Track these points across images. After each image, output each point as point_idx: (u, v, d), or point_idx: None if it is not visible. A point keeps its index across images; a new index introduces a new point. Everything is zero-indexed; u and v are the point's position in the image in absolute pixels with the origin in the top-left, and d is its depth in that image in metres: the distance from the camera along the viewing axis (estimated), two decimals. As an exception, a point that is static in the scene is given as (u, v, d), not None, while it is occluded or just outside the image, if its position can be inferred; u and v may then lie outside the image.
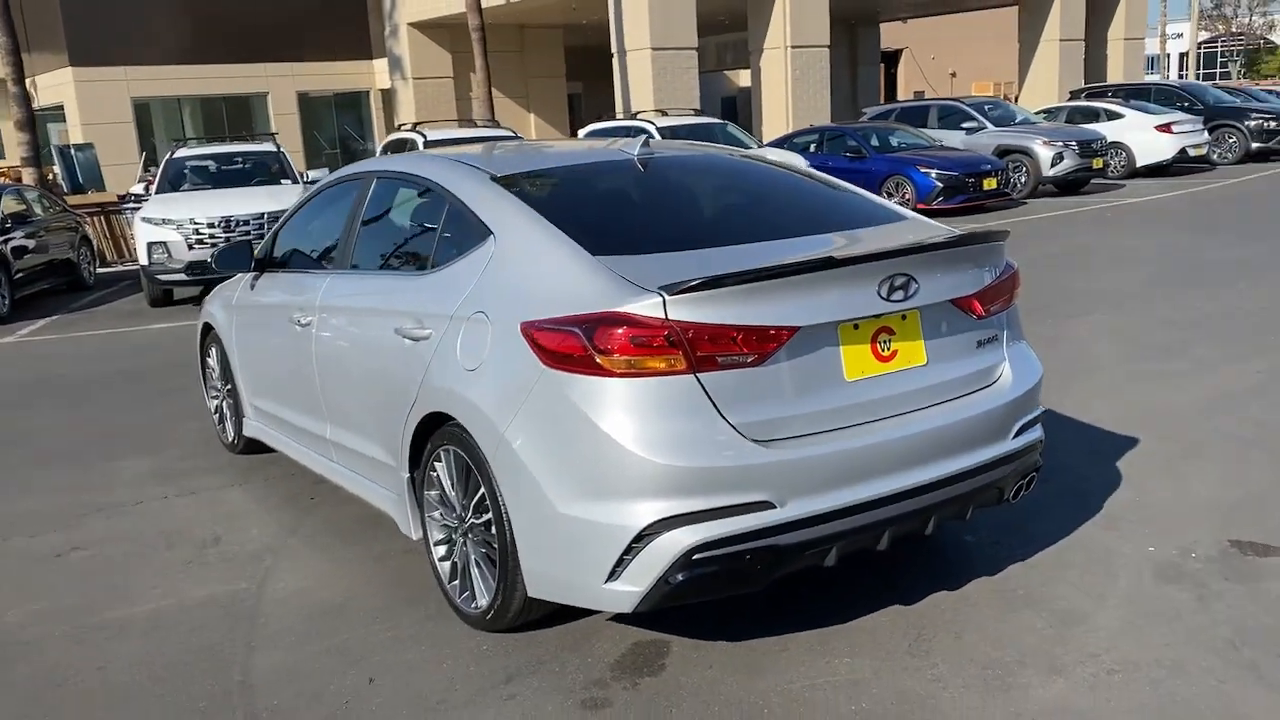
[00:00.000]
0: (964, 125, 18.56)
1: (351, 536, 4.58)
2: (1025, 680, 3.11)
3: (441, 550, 3.80)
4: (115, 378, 8.41)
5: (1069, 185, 18.14)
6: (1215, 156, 21.27)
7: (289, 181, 13.12)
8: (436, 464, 3.69)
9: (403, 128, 15.74)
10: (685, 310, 2.96)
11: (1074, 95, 23.71)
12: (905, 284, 3.20)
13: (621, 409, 2.98)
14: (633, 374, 2.98)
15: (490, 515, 3.39)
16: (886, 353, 3.25)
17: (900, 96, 46.73)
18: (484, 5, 26.32)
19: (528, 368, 3.18)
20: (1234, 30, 72.26)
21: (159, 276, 11.86)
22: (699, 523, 2.96)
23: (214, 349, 5.92)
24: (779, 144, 17.88)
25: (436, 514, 3.79)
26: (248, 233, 11.71)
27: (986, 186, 15.92)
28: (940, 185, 15.62)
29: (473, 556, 3.58)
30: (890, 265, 3.16)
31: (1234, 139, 21.58)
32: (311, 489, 5.24)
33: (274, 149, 13.87)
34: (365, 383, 4.07)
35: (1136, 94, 22.51)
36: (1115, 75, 30.54)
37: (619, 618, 3.62)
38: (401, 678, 3.35)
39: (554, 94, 30.88)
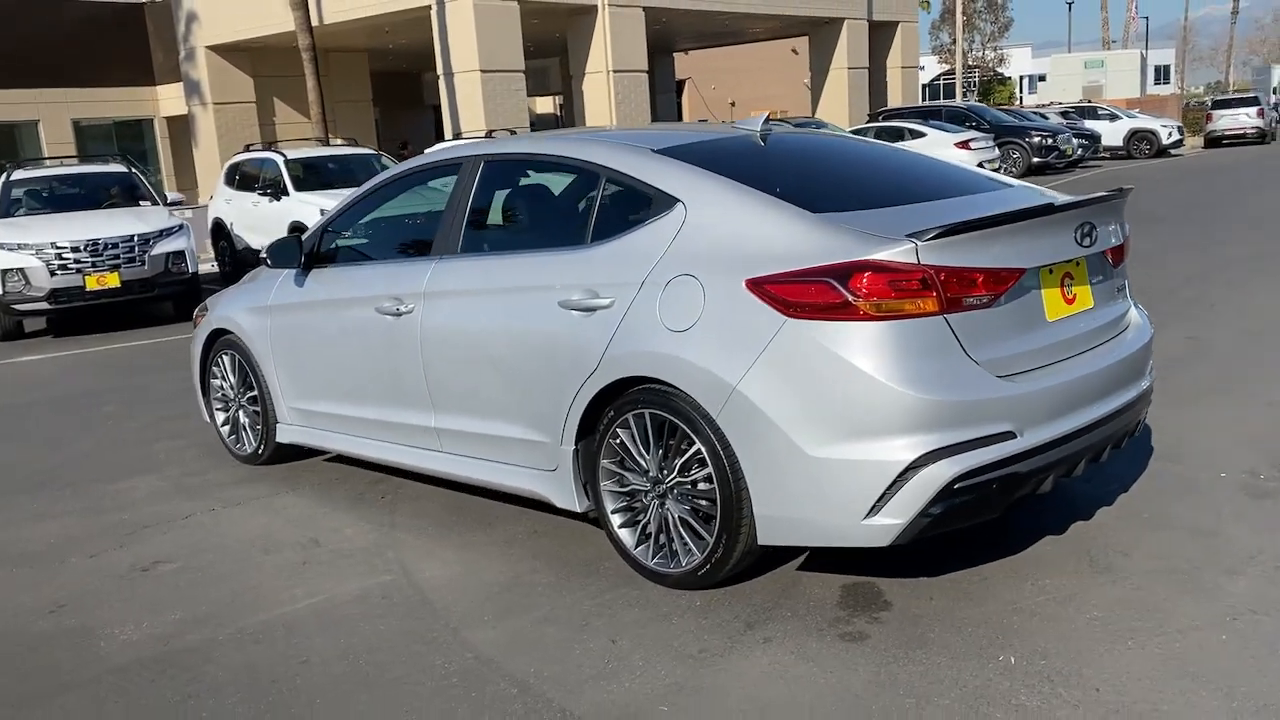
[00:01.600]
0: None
1: (458, 525, 4.51)
2: (1212, 581, 3.49)
3: (620, 518, 3.84)
4: (35, 408, 7.74)
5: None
6: (1002, 171, 23.31)
7: (149, 203, 12.37)
8: (620, 430, 3.74)
9: (252, 147, 15.10)
10: (934, 255, 3.18)
11: (874, 116, 25.40)
12: (1090, 231, 3.55)
13: (881, 350, 3.16)
14: (888, 317, 3.17)
15: (706, 471, 3.48)
16: (1069, 295, 3.58)
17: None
18: (282, 30, 25.58)
19: (762, 320, 3.30)
20: (969, 64, 79.15)
21: (15, 306, 10.91)
22: (958, 454, 3.18)
23: (225, 358, 5.62)
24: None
25: (612, 483, 3.82)
26: (117, 256, 11.00)
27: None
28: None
29: (673, 516, 3.64)
30: (1085, 213, 3.51)
31: (1017, 154, 23.75)
32: (372, 488, 5.09)
33: (124, 170, 13.03)
34: (511, 362, 4.04)
35: (931, 114, 24.38)
36: (895, 99, 32.88)
37: (810, 563, 3.77)
38: (639, 637, 3.38)
39: (362, 118, 30.22)
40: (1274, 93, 46.73)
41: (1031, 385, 3.33)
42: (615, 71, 24.29)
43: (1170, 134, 30.43)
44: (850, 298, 3.17)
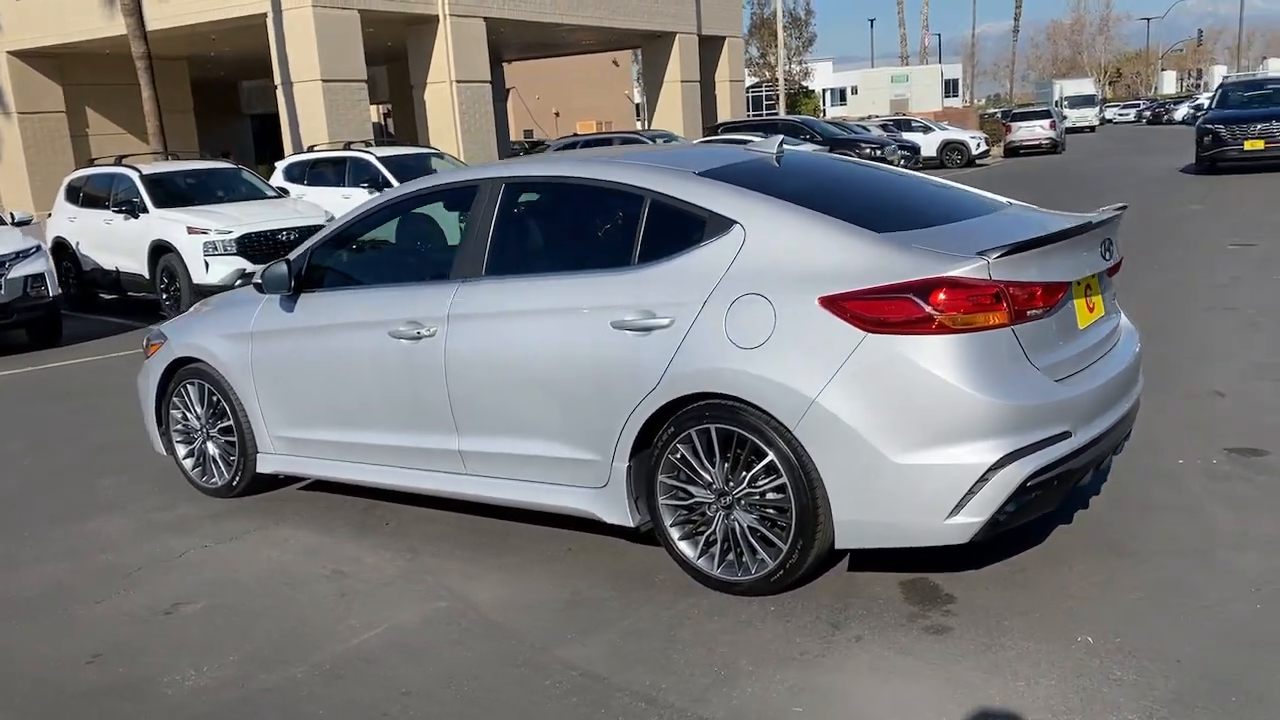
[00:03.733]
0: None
1: (483, 548, 4.50)
2: (1223, 558, 3.91)
3: (679, 531, 3.95)
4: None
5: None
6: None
7: (-3, 223, 11.53)
8: (680, 446, 3.86)
9: (97, 162, 14.25)
10: (1002, 271, 3.45)
11: (713, 129, 26.09)
12: (1110, 245, 3.91)
13: (961, 361, 3.41)
14: (964, 330, 3.41)
15: (779, 481, 3.65)
16: (1090, 304, 3.94)
17: (510, 134, 48.29)
18: (97, 35, 24.22)
19: (840, 336, 3.50)
20: (776, 77, 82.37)
21: None
22: (1029, 455, 3.46)
23: (189, 388, 5.40)
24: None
25: (671, 497, 3.93)
26: (-29, 279, 10.21)
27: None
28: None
29: (741, 525, 3.79)
30: (1108, 229, 3.87)
31: (849, 165, 24.87)
32: (368, 515, 5.00)
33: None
34: (554, 382, 4.09)
35: (767, 127, 25.25)
36: (724, 112, 33.90)
37: (858, 563, 3.98)
38: (733, 644, 3.50)
39: (183, 129, 28.84)
40: (1058, 105, 50.53)
41: (1077, 388, 3.65)
42: (459, 82, 24.15)
43: (979, 145, 32.59)
44: (931, 312, 3.40)
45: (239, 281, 11.98)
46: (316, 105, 21.44)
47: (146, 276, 12.60)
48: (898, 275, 3.48)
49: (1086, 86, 59.73)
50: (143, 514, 5.31)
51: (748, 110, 68.57)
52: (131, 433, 6.86)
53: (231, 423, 5.25)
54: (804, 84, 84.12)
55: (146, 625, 4.01)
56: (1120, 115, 66.99)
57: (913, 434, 3.44)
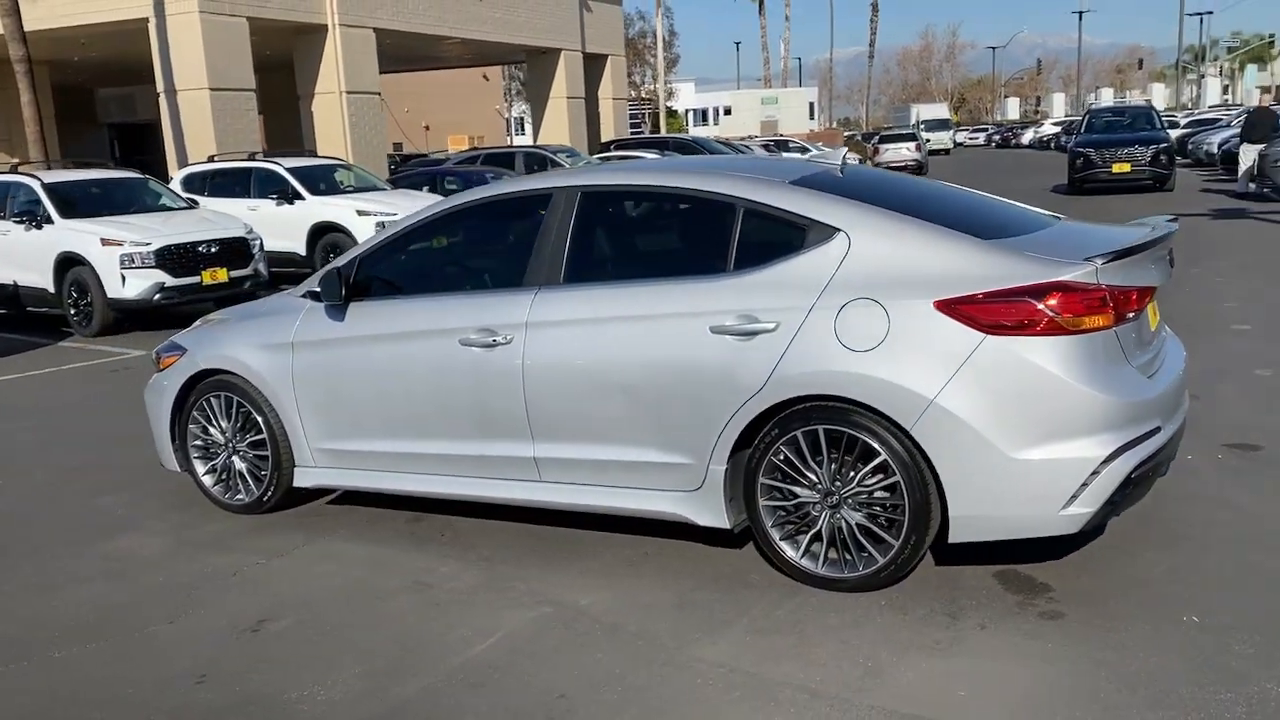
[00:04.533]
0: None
1: (556, 555, 4.50)
2: (1271, 541, 4.24)
3: (780, 532, 4.05)
4: None
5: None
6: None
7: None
8: (784, 447, 3.96)
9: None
10: (1108, 276, 3.69)
11: (606, 146, 26.27)
12: (1171, 255, 4.21)
13: (1076, 360, 3.62)
14: (1077, 331, 3.63)
15: (892, 479, 3.79)
16: (1153, 312, 4.22)
17: (382, 147, 47.49)
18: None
19: (958, 338, 3.67)
20: (643, 96, 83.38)
21: None
22: (1133, 448, 3.69)
23: (213, 401, 5.21)
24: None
25: (772, 498, 4.03)
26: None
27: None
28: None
29: (849, 523, 3.91)
30: (1172, 240, 4.15)
31: (739, 183, 25.41)
32: (416, 526, 4.93)
33: None
34: (646, 387, 4.12)
35: (660, 145, 25.59)
36: (608, 128, 34.19)
37: (940, 558, 4.16)
38: (863, 637, 3.62)
39: (45, 135, 27.25)
40: (915, 128, 52.76)
41: (1160, 386, 3.92)
42: (349, 93, 23.67)
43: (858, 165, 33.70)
44: (1048, 314, 3.61)
45: (158, 296, 11.52)
46: (204, 114, 20.68)
47: (52, 290, 11.94)
48: (1013, 280, 3.67)
49: (941, 111, 62.69)
50: (169, 532, 5.09)
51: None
52: (105, 451, 6.57)
53: (264, 436, 5.09)
54: (668, 104, 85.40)
55: (238, 644, 3.87)
56: (971, 139, 70.28)
57: (1030, 430, 3.63)
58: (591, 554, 4.49)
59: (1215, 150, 27.22)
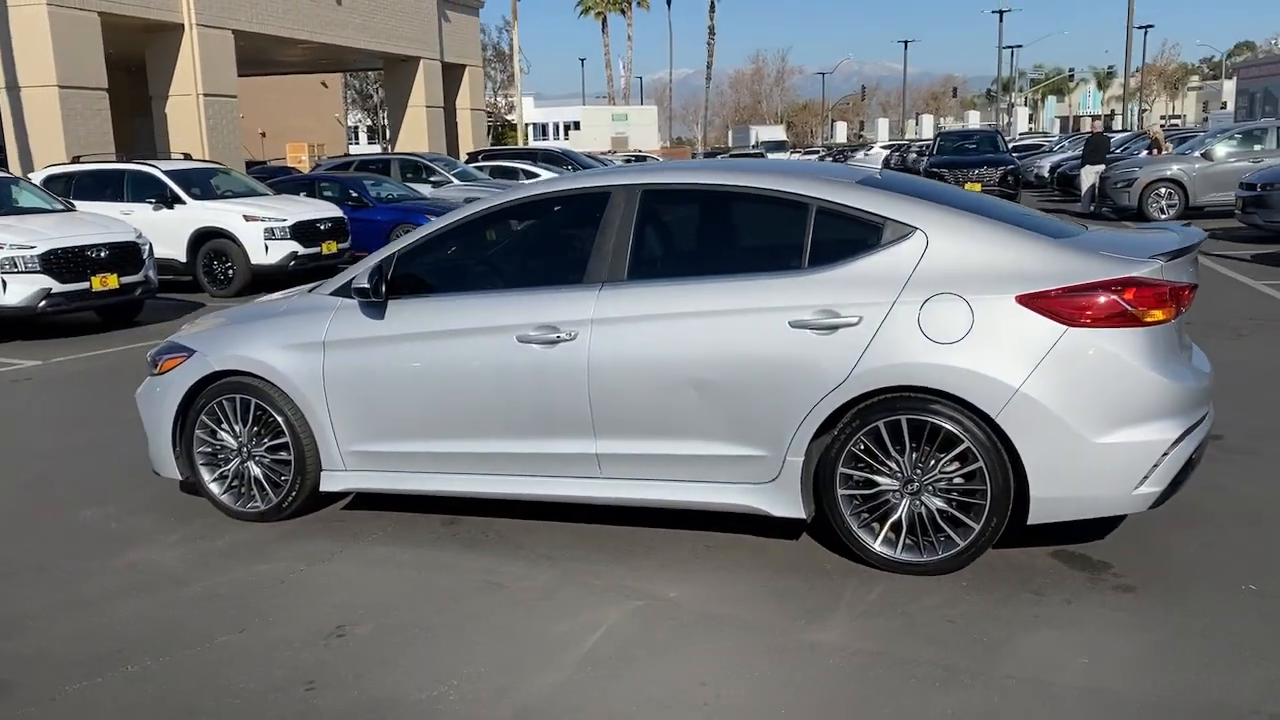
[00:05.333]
0: (431, 179, 19.66)
1: (620, 552, 4.50)
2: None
3: (856, 520, 4.17)
4: None
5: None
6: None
7: None
8: (865, 438, 4.10)
9: None
10: (1169, 273, 3.99)
11: (474, 156, 26.00)
12: (1196, 259, 4.56)
13: (1150, 350, 3.90)
14: (1149, 323, 3.91)
15: (973, 466, 3.98)
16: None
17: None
18: None
19: (1041, 330, 3.89)
20: (486, 109, 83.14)
21: None
22: (1193, 431, 4.00)
23: (225, 405, 4.97)
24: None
25: (850, 487, 4.16)
26: None
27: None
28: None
29: (929, 508, 4.07)
30: (1202, 245, 4.51)
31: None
32: (454, 528, 4.83)
33: None
34: (722, 381, 4.18)
35: (528, 156, 25.55)
36: (466, 138, 33.88)
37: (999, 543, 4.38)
38: (962, 616, 3.78)
39: None
40: (754, 148, 54.31)
41: (1202, 377, 4.25)
42: (206, 95, 22.71)
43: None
44: (1126, 308, 3.87)
45: (43, 303, 10.79)
46: (51, 113, 19.41)
47: (-83, 296, 11.00)
48: (1091, 275, 3.92)
49: (779, 133, 64.84)
50: (182, 543, 4.82)
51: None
52: (57, 464, 6.16)
53: (285, 440, 4.89)
54: (508, 118, 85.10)
55: (329, 649, 3.72)
56: (805, 159, 72.80)
57: (1109, 416, 3.88)
58: (660, 549, 4.51)
59: (1046, 174, 29.10)
